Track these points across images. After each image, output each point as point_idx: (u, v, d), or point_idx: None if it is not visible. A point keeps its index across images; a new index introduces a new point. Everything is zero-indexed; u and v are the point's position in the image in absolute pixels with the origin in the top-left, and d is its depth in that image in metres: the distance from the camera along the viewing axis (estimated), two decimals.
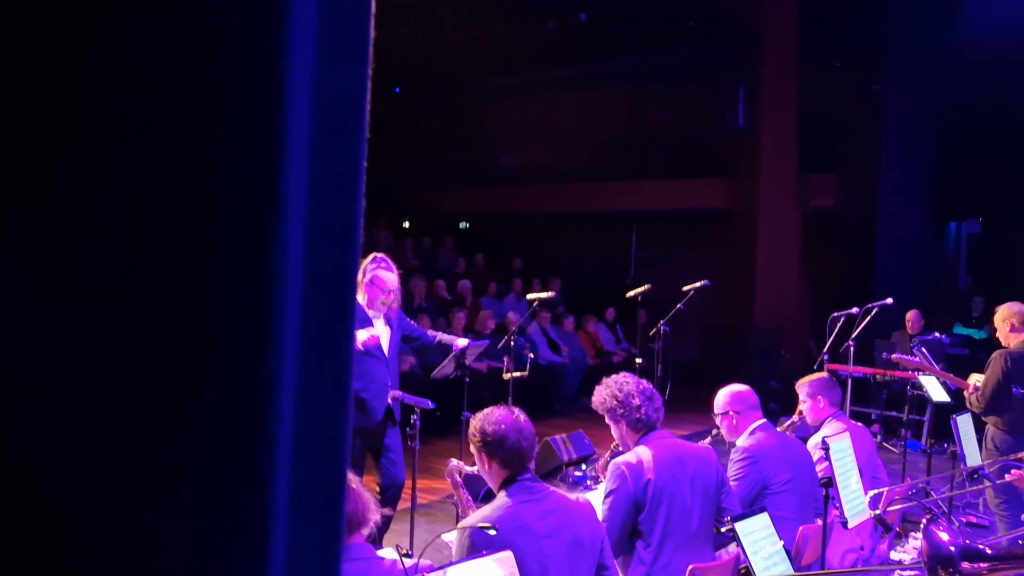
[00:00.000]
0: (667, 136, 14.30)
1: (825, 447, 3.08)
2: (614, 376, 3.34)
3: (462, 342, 4.72)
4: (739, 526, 2.37)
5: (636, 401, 3.20)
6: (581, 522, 2.57)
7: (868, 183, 10.57)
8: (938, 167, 10.15)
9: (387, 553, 2.73)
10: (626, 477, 3.04)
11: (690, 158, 13.25)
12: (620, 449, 3.69)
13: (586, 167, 14.45)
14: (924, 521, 3.42)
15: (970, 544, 2.02)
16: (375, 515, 2.19)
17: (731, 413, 3.74)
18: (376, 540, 4.37)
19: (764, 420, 3.74)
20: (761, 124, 10.88)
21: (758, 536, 2.42)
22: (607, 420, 3.30)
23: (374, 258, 4.46)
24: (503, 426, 2.54)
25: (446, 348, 4.76)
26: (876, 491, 3.47)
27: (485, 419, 2.59)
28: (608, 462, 3.58)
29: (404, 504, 4.66)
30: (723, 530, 2.38)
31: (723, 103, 11.14)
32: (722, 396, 3.80)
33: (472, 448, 2.64)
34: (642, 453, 3.10)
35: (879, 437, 8.37)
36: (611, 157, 14.41)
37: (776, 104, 10.76)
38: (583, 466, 6.34)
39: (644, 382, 3.29)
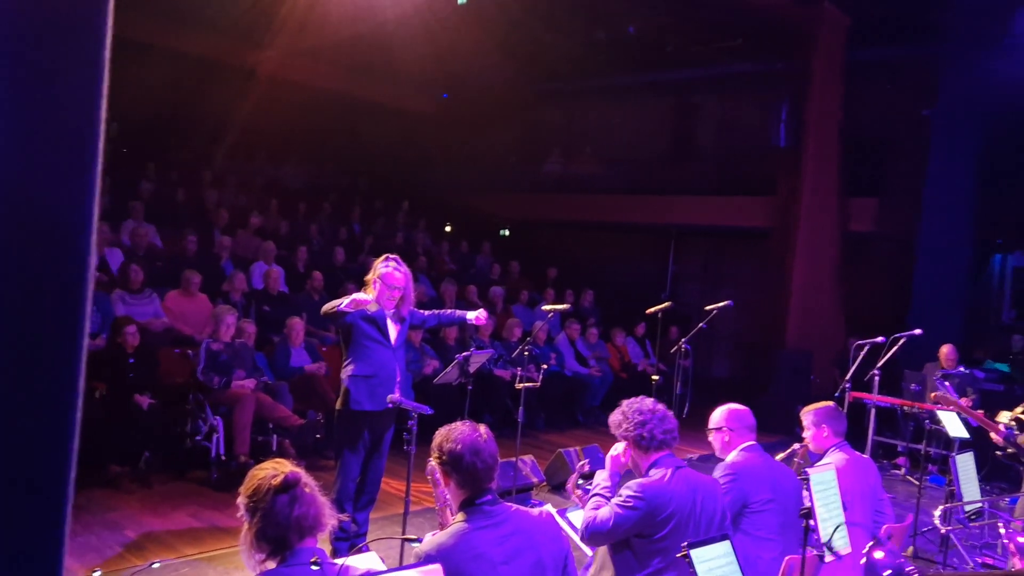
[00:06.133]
0: (709, 151, 14.20)
1: (805, 477, 3.05)
2: (633, 398, 3.34)
3: (471, 315, 4.90)
4: (695, 553, 2.35)
5: (648, 424, 3.18)
6: (543, 541, 2.54)
7: (911, 209, 10.32)
8: (985, 197, 9.85)
9: (366, 559, 2.71)
10: (647, 503, 2.98)
11: (732, 174, 13.12)
12: (587, 470, 3.72)
13: (628, 179, 14.42)
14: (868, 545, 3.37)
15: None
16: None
17: (725, 429, 3.79)
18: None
19: (755, 442, 3.77)
20: (804, 143, 10.70)
21: (715, 565, 2.39)
22: (618, 439, 3.31)
23: (385, 258, 4.69)
24: (459, 446, 2.49)
25: (459, 320, 5.07)
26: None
27: (446, 436, 2.55)
28: (577, 481, 3.61)
29: (398, 509, 4.71)
30: (678, 556, 2.36)
31: (767, 121, 10.97)
32: (719, 412, 3.85)
33: (434, 462, 2.60)
34: (667, 483, 3.04)
35: (904, 470, 8.18)
36: (653, 170, 14.36)
37: (820, 124, 10.56)
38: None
39: (660, 405, 3.29)
